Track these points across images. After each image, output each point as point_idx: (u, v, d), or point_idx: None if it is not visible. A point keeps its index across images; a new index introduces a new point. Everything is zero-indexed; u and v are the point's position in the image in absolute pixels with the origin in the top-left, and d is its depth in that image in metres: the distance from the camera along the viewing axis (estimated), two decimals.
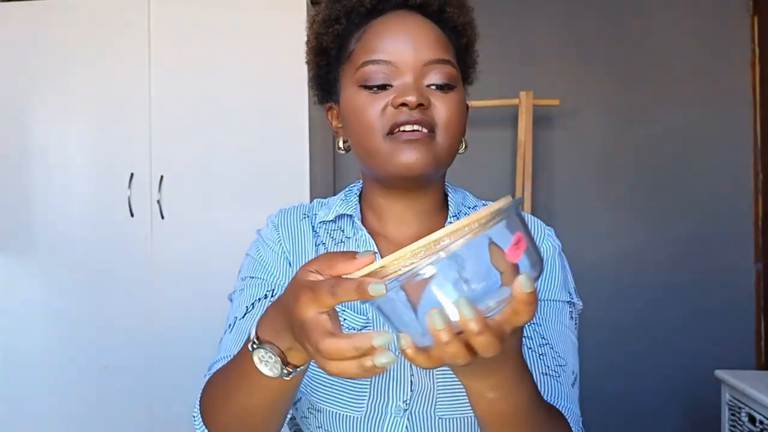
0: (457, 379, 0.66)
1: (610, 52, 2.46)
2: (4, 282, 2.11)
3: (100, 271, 2.07)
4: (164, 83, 2.05)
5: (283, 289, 0.64)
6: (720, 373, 1.93)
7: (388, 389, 0.70)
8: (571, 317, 0.76)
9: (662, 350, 2.42)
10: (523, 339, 0.71)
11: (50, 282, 2.09)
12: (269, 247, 0.79)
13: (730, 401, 1.89)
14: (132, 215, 2.05)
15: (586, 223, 2.47)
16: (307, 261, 0.64)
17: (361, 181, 0.83)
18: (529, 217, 0.82)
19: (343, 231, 0.78)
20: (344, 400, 0.70)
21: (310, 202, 0.85)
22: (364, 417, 0.70)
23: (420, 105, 0.67)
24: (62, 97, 2.09)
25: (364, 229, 0.76)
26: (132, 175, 2.05)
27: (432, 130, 0.69)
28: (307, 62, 0.80)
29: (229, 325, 0.76)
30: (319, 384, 0.71)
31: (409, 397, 0.70)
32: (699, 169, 2.43)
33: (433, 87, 0.70)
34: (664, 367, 2.42)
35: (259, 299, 0.75)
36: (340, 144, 0.77)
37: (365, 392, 0.70)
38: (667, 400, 2.41)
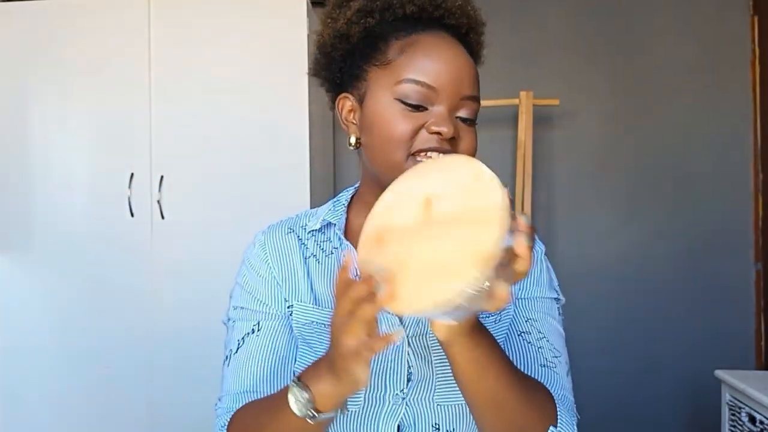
0: None
1: (610, 52, 2.46)
2: (4, 282, 2.11)
3: (100, 271, 2.06)
4: (164, 83, 2.05)
5: (272, 317, 0.78)
6: (720, 373, 1.93)
7: (386, 380, 0.73)
8: (559, 312, 0.81)
9: (662, 350, 2.42)
10: (522, 334, 0.76)
11: (50, 282, 2.09)
12: (255, 271, 0.81)
13: (730, 401, 1.89)
14: (132, 215, 2.04)
15: (586, 222, 2.47)
16: (296, 276, 0.78)
17: (351, 190, 0.84)
18: None
19: (330, 241, 0.80)
20: None
21: (296, 214, 0.86)
22: (362, 408, 0.72)
23: (452, 138, 0.71)
24: (62, 97, 2.09)
25: (345, 240, 0.79)
26: (132, 175, 2.05)
27: None
28: (323, 44, 0.79)
29: (226, 357, 0.80)
30: None
31: (406, 386, 0.73)
32: (699, 169, 2.43)
33: (461, 120, 0.73)
34: (664, 367, 2.42)
35: (248, 333, 0.78)
36: (352, 140, 0.76)
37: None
38: (667, 400, 2.41)
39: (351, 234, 0.80)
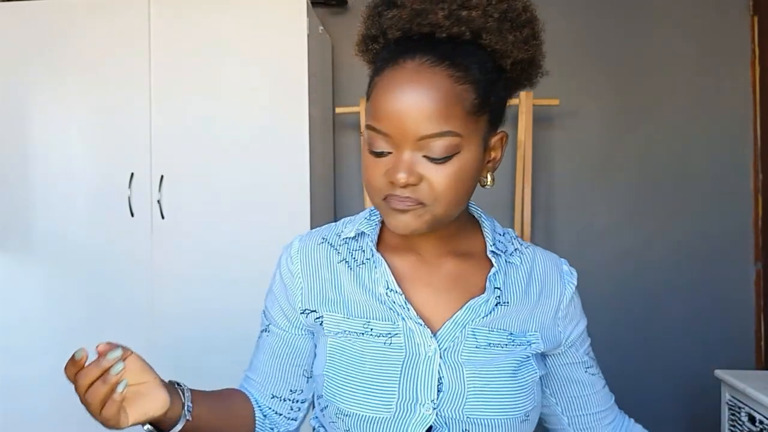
0: (487, 381, 0.74)
1: (610, 52, 2.46)
2: (4, 282, 2.11)
3: (100, 271, 2.06)
4: (164, 83, 2.05)
5: (282, 327, 0.85)
6: (720, 373, 1.93)
7: (416, 390, 0.73)
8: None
9: (662, 350, 2.42)
10: (588, 369, 0.89)
11: (50, 281, 2.09)
12: (284, 281, 0.84)
13: (730, 401, 1.89)
14: (132, 215, 2.05)
15: (586, 222, 2.47)
16: (325, 286, 0.81)
17: None
18: (547, 251, 0.89)
19: (363, 251, 0.82)
20: (374, 403, 0.73)
21: (335, 223, 0.88)
22: (393, 416, 0.73)
23: (410, 184, 0.68)
24: (62, 97, 2.09)
25: (376, 251, 0.80)
26: (132, 175, 2.05)
27: (423, 203, 0.69)
28: (358, 44, 0.79)
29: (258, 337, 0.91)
30: (349, 390, 0.74)
31: (437, 397, 0.73)
32: (699, 169, 2.43)
33: (429, 159, 0.68)
34: (664, 367, 2.42)
35: (263, 330, 0.88)
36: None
37: (394, 394, 0.73)
38: (667, 400, 2.41)
39: (382, 246, 0.82)
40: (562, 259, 0.88)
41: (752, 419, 1.76)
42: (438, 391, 0.73)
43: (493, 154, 0.75)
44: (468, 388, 0.73)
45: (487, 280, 0.78)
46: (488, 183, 0.76)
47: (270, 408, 0.86)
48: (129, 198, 2.05)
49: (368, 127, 0.70)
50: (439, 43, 0.69)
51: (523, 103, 2.27)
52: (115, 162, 2.06)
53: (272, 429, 0.87)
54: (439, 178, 0.68)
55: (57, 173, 2.09)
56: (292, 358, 0.85)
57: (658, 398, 2.41)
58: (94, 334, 2.06)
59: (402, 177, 0.67)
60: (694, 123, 2.43)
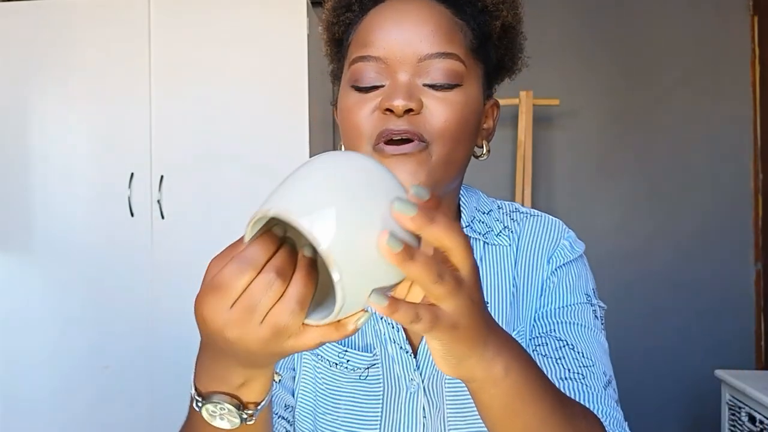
0: (471, 421, 0.63)
1: (610, 52, 2.46)
2: (4, 282, 2.11)
3: (100, 271, 2.06)
4: (164, 83, 2.05)
5: None
6: (720, 373, 1.93)
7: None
8: (596, 317, 0.69)
9: (662, 350, 2.42)
10: (536, 348, 0.65)
11: (50, 282, 2.09)
12: None
13: (730, 401, 1.89)
14: (132, 215, 2.05)
15: (586, 222, 2.47)
16: None
17: None
18: (549, 220, 0.78)
19: None
20: None
21: None
22: None
23: (409, 110, 0.57)
24: (62, 97, 2.09)
25: None
26: (132, 175, 2.05)
27: (424, 139, 0.58)
28: (325, 55, 0.73)
29: None
30: (328, 427, 0.68)
31: None
32: (699, 169, 2.43)
33: (430, 86, 0.59)
34: (664, 367, 2.42)
35: None
36: (342, 147, 0.69)
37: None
38: (667, 400, 2.41)
39: None
40: (569, 232, 0.72)
41: (752, 419, 1.76)
42: None
43: (487, 121, 0.68)
44: (448, 425, 0.64)
45: None
46: (484, 153, 0.66)
47: None
48: (129, 198, 2.04)
49: (356, 60, 0.60)
50: None
51: (523, 103, 2.27)
52: (115, 162, 2.06)
53: None
54: (441, 108, 0.58)
55: (57, 173, 2.09)
56: (286, 375, 0.78)
57: (658, 398, 2.41)
58: (94, 334, 2.06)
59: (400, 102, 0.56)
60: (694, 123, 2.43)
